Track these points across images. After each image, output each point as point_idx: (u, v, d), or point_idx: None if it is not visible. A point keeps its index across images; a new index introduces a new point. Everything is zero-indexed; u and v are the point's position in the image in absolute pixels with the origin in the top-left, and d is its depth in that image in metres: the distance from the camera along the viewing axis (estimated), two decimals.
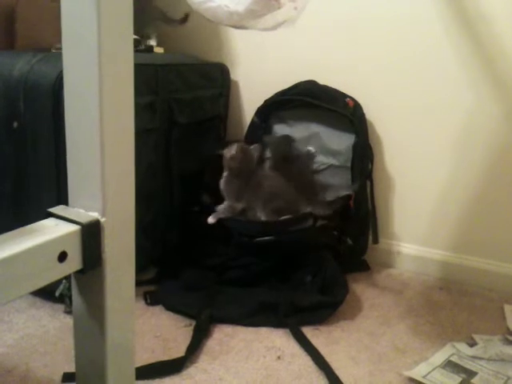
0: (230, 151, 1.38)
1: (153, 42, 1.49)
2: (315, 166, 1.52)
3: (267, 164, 1.47)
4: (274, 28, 0.87)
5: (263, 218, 1.38)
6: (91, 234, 0.53)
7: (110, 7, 0.50)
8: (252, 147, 1.43)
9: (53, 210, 0.56)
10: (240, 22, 0.84)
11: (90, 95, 0.52)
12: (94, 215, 0.54)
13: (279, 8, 0.81)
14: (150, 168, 1.31)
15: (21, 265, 0.48)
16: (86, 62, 0.51)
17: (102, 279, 0.56)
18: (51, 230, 0.52)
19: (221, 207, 1.39)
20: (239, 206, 1.40)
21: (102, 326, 0.58)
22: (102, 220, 0.54)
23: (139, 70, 1.24)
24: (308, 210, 1.35)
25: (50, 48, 1.22)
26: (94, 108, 0.52)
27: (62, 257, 0.52)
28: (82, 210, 0.55)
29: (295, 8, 0.84)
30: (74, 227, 0.53)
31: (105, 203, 0.54)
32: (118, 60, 0.53)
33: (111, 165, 0.54)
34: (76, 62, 0.52)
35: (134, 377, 0.65)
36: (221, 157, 1.40)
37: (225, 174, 1.41)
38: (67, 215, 0.54)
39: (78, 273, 0.54)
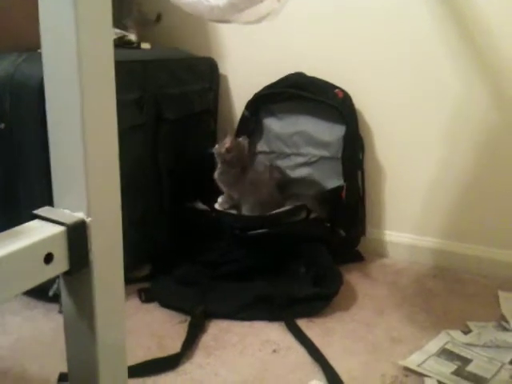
0: (224, 145, 1.40)
1: (132, 37, 1.47)
2: (307, 158, 1.52)
3: (263, 161, 1.50)
4: (257, 21, 0.86)
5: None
6: (77, 235, 0.53)
7: (87, 3, 0.49)
8: (240, 139, 1.44)
9: (38, 211, 0.55)
10: (222, 17, 0.83)
11: (71, 94, 0.51)
12: (79, 215, 0.54)
13: (261, 1, 0.81)
14: (138, 164, 1.30)
15: (6, 268, 0.48)
16: (65, 60, 0.50)
17: (89, 280, 0.55)
18: (36, 232, 0.51)
19: (221, 198, 1.43)
20: (235, 194, 1.42)
21: (93, 327, 0.58)
22: (88, 220, 0.54)
23: (126, 66, 1.24)
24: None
25: (32, 46, 1.20)
26: (75, 107, 0.51)
27: (48, 258, 0.51)
28: (67, 211, 0.55)
29: (278, 0, 0.83)
30: (59, 228, 0.52)
31: (90, 203, 0.53)
32: (97, 56, 0.52)
33: (95, 164, 0.53)
34: (55, 61, 0.52)
35: (126, 376, 0.65)
36: (212, 154, 1.41)
37: (219, 166, 1.43)
38: (52, 216, 0.53)
39: (66, 274, 0.54)
